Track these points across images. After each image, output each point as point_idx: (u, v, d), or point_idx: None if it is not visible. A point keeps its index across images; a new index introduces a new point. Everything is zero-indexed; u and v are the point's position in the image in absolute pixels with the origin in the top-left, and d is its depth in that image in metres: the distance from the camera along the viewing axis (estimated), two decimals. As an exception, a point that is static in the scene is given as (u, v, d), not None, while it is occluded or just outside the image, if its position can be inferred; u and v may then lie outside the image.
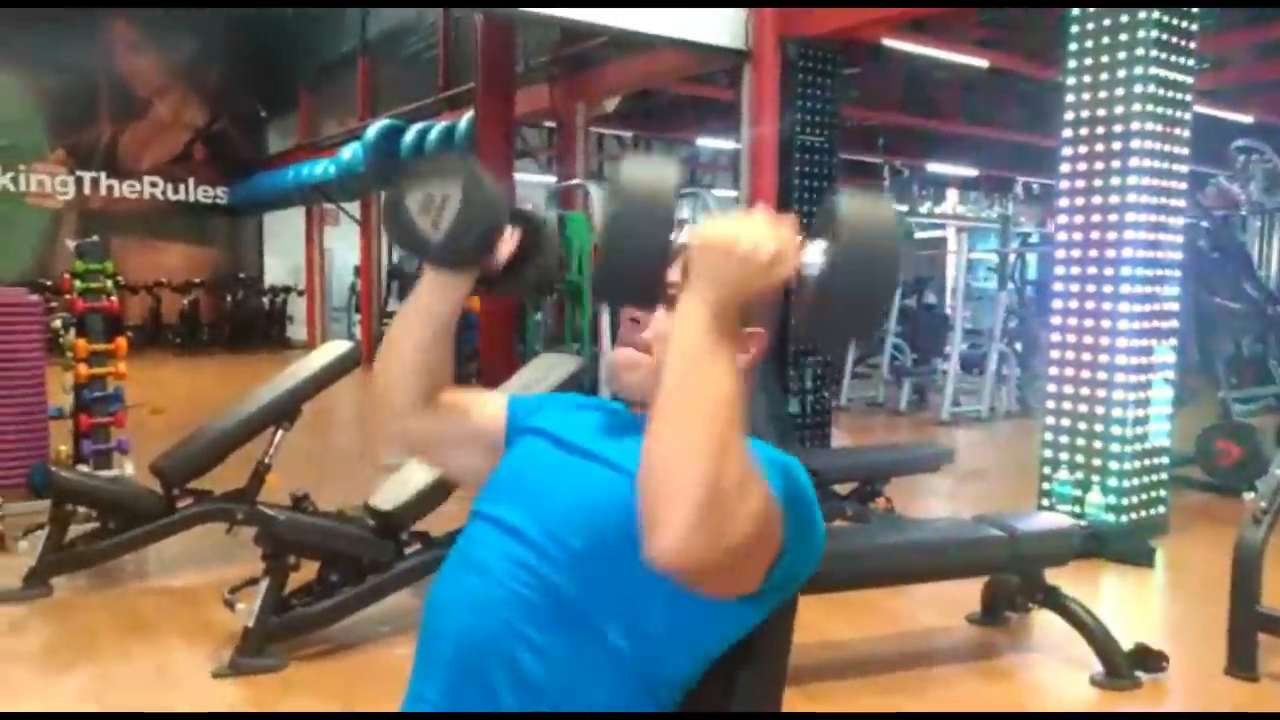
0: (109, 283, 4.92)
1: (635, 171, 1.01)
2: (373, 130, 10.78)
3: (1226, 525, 4.91)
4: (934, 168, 15.37)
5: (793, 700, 2.68)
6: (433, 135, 9.87)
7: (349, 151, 11.55)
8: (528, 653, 1.04)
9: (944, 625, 3.49)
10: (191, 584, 3.78)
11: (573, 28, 6.85)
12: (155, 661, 3.07)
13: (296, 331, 15.49)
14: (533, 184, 12.32)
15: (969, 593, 3.46)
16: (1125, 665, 2.93)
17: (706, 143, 14.44)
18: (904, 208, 15.90)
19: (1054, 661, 3.16)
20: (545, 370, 3.79)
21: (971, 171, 15.51)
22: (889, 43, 7.42)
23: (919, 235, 16.73)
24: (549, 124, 11.79)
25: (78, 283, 4.80)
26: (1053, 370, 4.74)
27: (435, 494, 3.28)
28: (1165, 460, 4.63)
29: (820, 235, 1.01)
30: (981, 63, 8.27)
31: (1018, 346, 9.01)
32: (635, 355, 1.18)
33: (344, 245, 15.80)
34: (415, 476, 3.34)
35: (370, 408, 1.35)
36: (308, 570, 3.19)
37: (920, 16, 6.99)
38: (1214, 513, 5.15)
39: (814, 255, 0.99)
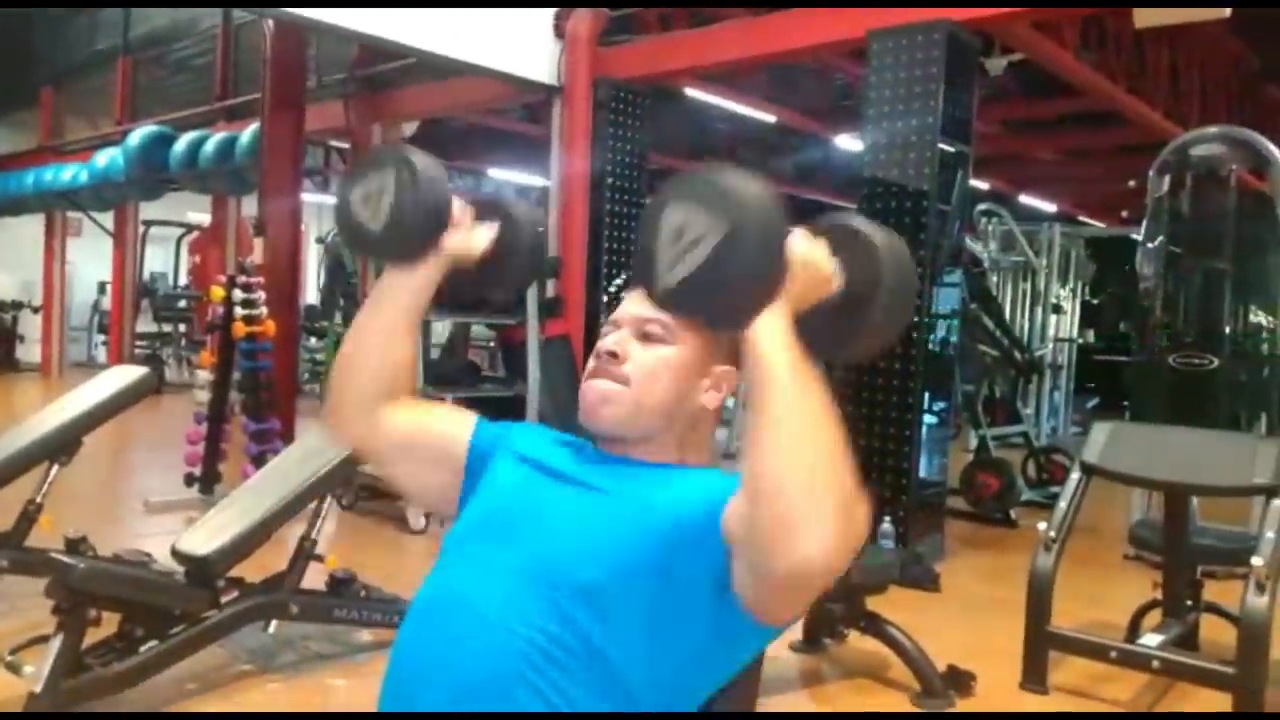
0: None
1: (748, 187, 0.97)
2: (137, 136, 9.90)
3: (992, 551, 5.48)
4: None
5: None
6: (209, 146, 9.20)
7: (105, 157, 10.54)
8: (538, 699, 0.98)
9: (770, 654, 3.61)
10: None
11: (378, 45, 6.62)
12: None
13: (28, 352, 13.81)
14: (309, 205, 11.75)
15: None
16: (940, 686, 3.17)
17: (498, 174, 14.38)
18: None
19: (876, 685, 3.36)
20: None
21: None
22: (692, 92, 7.75)
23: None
24: (335, 143, 11.33)
25: None
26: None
27: (254, 536, 3.02)
28: (942, 491, 5.08)
29: (840, 252, 1.04)
30: (770, 117, 8.81)
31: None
32: (612, 389, 1.16)
33: (88, 258, 14.30)
34: (231, 516, 3.07)
35: (330, 397, 1.26)
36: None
37: (722, 71, 7.35)
38: (979, 540, 5.68)
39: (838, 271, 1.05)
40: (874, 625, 3.31)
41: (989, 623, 4.08)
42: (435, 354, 7.05)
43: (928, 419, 4.98)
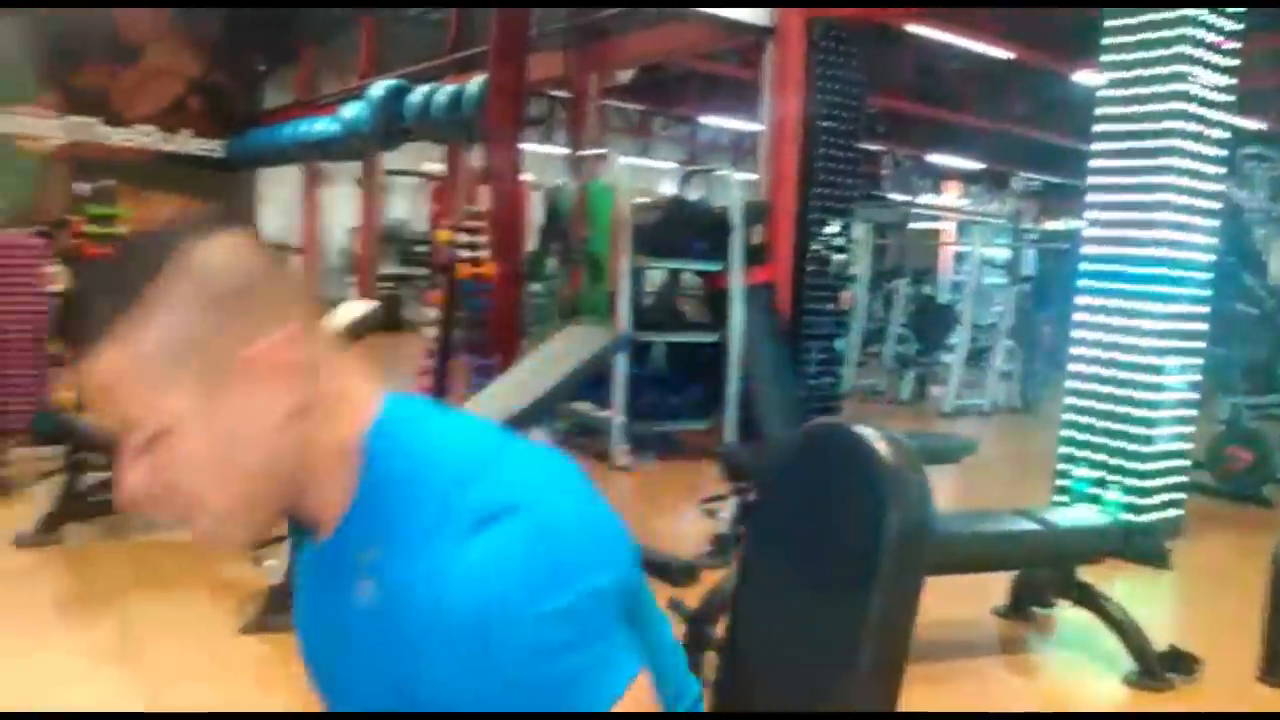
0: (120, 228, 4.81)
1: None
2: (378, 89, 10.59)
3: (1238, 531, 4.97)
4: (935, 158, 15.35)
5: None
6: (440, 97, 9.70)
7: (351, 110, 11.36)
8: None
9: (969, 618, 3.48)
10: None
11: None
12: (179, 616, 3.00)
13: (288, 290, 15.30)
14: (534, 155, 12.21)
15: (993, 586, 3.45)
16: (1159, 666, 2.93)
17: (711, 121, 14.33)
18: (903, 197, 15.89)
19: (1084, 659, 3.15)
20: (578, 341, 3.71)
21: (976, 164, 15.51)
22: (911, 28, 7.36)
23: (917, 226, 16.74)
24: (554, 93, 11.66)
25: (89, 226, 4.68)
26: (1074, 368, 4.72)
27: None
28: (1185, 463, 4.63)
29: None
30: (1004, 54, 8.21)
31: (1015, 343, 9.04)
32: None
33: (340, 205, 15.60)
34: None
35: None
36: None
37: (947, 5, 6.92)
38: (1225, 519, 5.17)
39: None
40: (1086, 596, 3.09)
41: (1225, 607, 3.72)
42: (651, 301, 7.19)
43: (1170, 383, 4.54)
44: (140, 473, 0.75)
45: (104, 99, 14.89)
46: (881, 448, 1.22)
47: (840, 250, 6.49)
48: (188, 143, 15.45)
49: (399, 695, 0.74)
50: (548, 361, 3.51)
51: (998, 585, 3.44)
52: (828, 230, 6.37)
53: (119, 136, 14.99)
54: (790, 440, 1.43)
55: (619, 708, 0.72)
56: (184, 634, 2.89)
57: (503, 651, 0.69)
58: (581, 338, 3.72)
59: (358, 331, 4.06)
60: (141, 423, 0.74)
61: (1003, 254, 9.43)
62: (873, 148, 14.55)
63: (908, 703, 2.83)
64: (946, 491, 5.40)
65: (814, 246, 6.29)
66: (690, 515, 4.38)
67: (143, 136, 15.16)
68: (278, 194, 15.95)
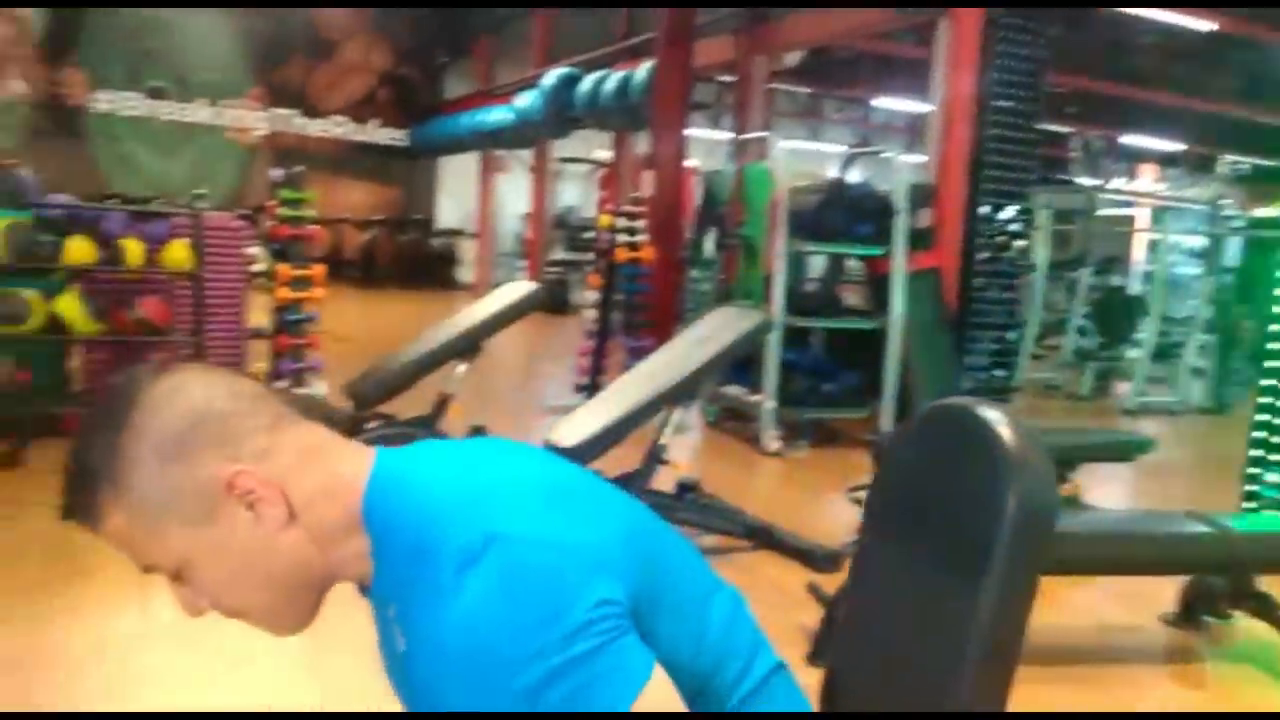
0: (310, 211, 5.18)
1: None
2: (550, 78, 10.91)
3: None
4: (1129, 140, 14.35)
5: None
6: (608, 84, 9.91)
7: (525, 99, 11.74)
8: None
9: (1133, 623, 3.28)
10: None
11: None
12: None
13: (464, 273, 16.02)
14: (699, 140, 12.24)
15: (1162, 591, 3.24)
16: (1348, 688, 2.68)
17: (884, 103, 13.95)
18: (1091, 181, 14.94)
19: (1256, 673, 2.92)
20: (722, 324, 3.73)
21: (1173, 146, 14.40)
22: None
23: (1107, 212, 15.72)
24: (722, 78, 11.64)
25: (282, 210, 5.06)
26: (1271, 364, 4.34)
27: (613, 433, 3.30)
28: (1396, 471, 4.18)
29: None
30: (1206, 25, 7.59)
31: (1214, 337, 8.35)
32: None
33: (513, 192, 16.17)
34: (594, 416, 3.38)
35: None
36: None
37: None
38: None
39: None
40: (1265, 607, 2.85)
41: None
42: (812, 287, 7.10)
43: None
44: (185, 598, 0.86)
45: (302, 92, 16.02)
46: (1003, 429, 1.19)
47: (1015, 236, 6.20)
48: (375, 132, 16.43)
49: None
50: (695, 343, 3.55)
51: (1168, 591, 3.23)
52: (1003, 215, 6.09)
53: (314, 127, 16.11)
54: (912, 419, 1.41)
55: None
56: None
57: (504, 692, 0.75)
58: (730, 320, 3.73)
59: (516, 312, 4.23)
60: (160, 565, 0.84)
61: (1200, 242, 8.73)
62: (1058, 129, 13.77)
63: (1054, 701, 2.73)
64: (1120, 491, 5.09)
65: (985, 231, 6.04)
66: (838, 503, 4.32)
67: (335, 127, 16.23)
68: (456, 182, 16.71)
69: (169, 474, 0.81)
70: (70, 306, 4.44)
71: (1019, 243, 6.23)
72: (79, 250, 4.45)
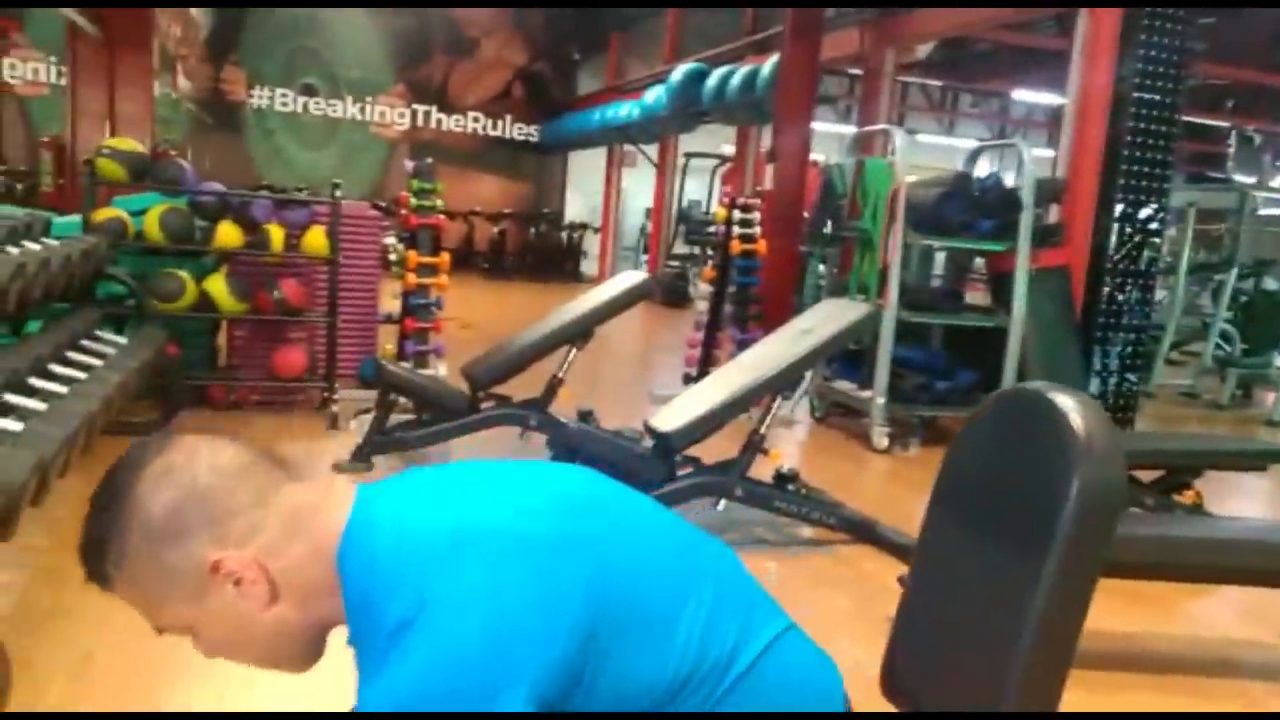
0: (439, 202, 5.42)
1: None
2: (678, 73, 10.99)
3: None
4: (1297, 135, 13.39)
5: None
6: (735, 79, 9.91)
7: (652, 94, 11.87)
8: None
9: (1254, 639, 3.13)
10: (486, 479, 4.15)
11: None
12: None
13: (589, 266, 16.31)
14: (827, 134, 12.11)
15: (1287, 608, 3.08)
16: None
17: (1022, 95, 13.45)
18: (1250, 179, 14.01)
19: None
20: (828, 316, 3.73)
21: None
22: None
23: (1266, 212, 14.71)
24: (852, 71, 11.47)
25: (413, 200, 5.31)
26: None
27: (712, 420, 3.35)
28: None
29: None
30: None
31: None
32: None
33: (638, 187, 16.36)
34: (693, 403, 3.44)
35: None
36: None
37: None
38: None
39: None
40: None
41: None
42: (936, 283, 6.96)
43: None
44: (199, 647, 0.98)
45: (442, 89, 16.63)
46: (1074, 413, 1.20)
47: (1152, 235, 5.92)
48: (509, 128, 16.89)
49: None
50: (799, 333, 3.57)
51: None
52: (1143, 213, 5.82)
53: (451, 122, 16.69)
54: (986, 405, 1.42)
55: None
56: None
57: None
58: (836, 312, 3.73)
59: (626, 300, 4.33)
60: (167, 628, 0.97)
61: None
62: (1214, 123, 12.99)
63: (1157, 709, 2.62)
64: (1254, 505, 4.81)
65: (1120, 229, 5.79)
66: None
67: (471, 122, 16.77)
68: (584, 176, 17.02)
69: (161, 556, 0.91)
70: (218, 286, 4.80)
71: (1155, 241, 5.94)
72: (228, 234, 4.79)
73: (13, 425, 2.41)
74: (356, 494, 0.96)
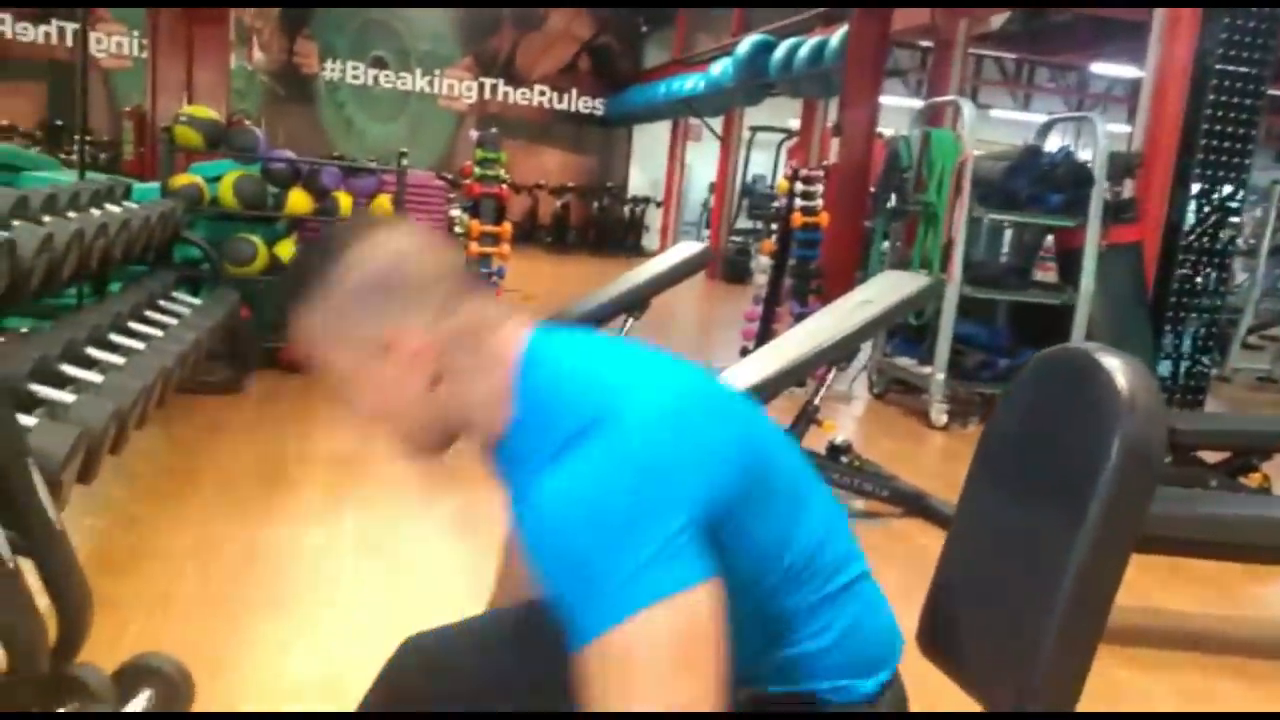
0: (502, 171, 5.49)
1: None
2: (744, 45, 10.89)
3: None
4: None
5: (1110, 662, 2.51)
6: (802, 52, 9.79)
7: (718, 67, 11.77)
8: None
9: None
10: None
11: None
12: (509, 501, 3.50)
13: (651, 240, 16.31)
14: (897, 108, 11.89)
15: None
16: None
17: (1102, 69, 13.03)
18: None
19: None
20: (887, 288, 3.71)
21: None
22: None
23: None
24: (924, 43, 11.24)
25: (477, 169, 5.40)
26: None
27: (767, 388, 3.34)
28: None
29: None
30: None
31: None
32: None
33: (702, 161, 16.28)
34: (746, 373, 3.46)
35: None
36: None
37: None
38: None
39: None
40: None
41: None
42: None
43: None
44: (350, 409, 1.03)
45: (510, 62, 16.72)
46: (1118, 372, 1.21)
47: (1231, 213, 5.73)
48: (575, 101, 16.92)
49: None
50: (857, 305, 3.55)
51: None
52: (1222, 191, 5.63)
53: (517, 95, 16.78)
54: (1029, 367, 1.43)
55: (654, 624, 0.83)
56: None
57: (566, 568, 0.86)
58: (895, 284, 3.71)
59: (682, 271, 4.35)
60: (325, 373, 1.02)
61: None
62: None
63: (1212, 692, 2.64)
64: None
65: (1197, 207, 5.61)
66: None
67: (538, 95, 16.84)
68: (648, 150, 16.98)
69: (353, 313, 0.97)
70: (289, 251, 4.94)
71: (1234, 221, 5.75)
72: (298, 201, 4.93)
73: (94, 377, 2.54)
74: (534, 329, 1.04)
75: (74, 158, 11.05)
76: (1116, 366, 1.22)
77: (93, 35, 13.86)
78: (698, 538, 0.87)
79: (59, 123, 12.42)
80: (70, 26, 14.09)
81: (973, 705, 1.24)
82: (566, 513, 0.86)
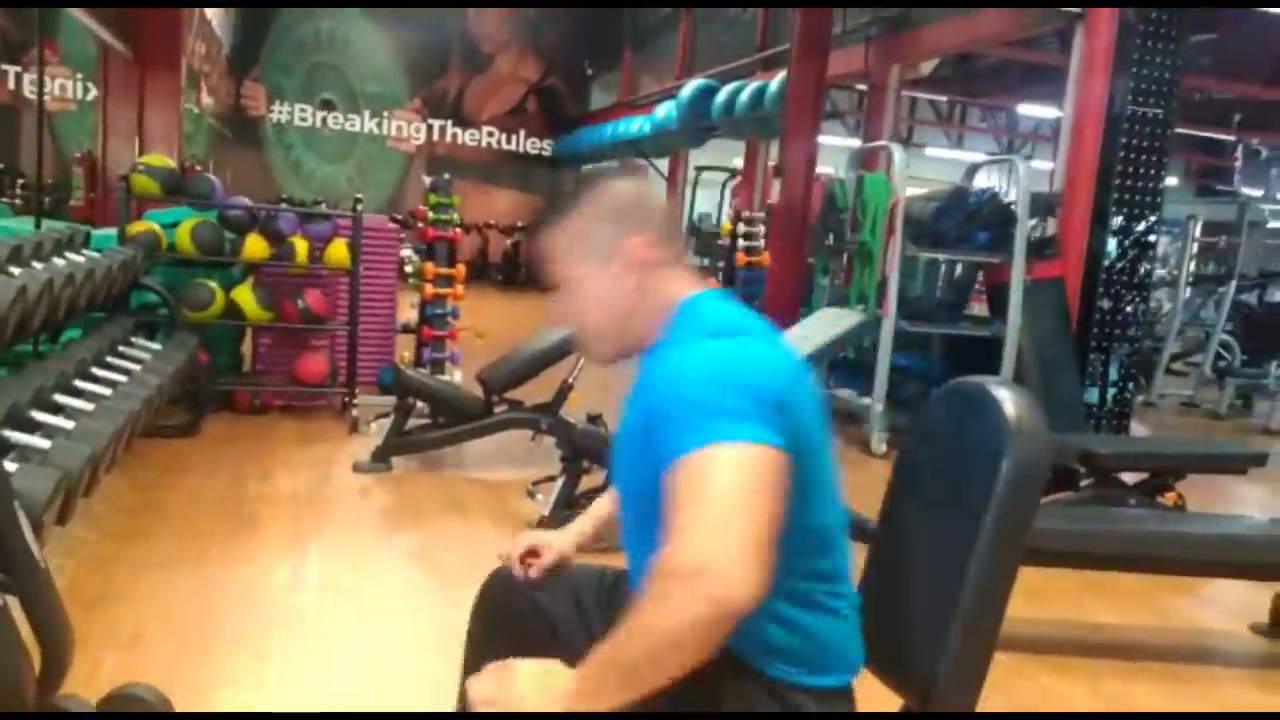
0: (455, 215, 5.64)
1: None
2: (688, 89, 11.21)
3: None
4: (1302, 149, 13.51)
5: (1036, 669, 2.71)
6: (743, 96, 10.12)
7: (663, 110, 12.09)
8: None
9: (1223, 629, 3.30)
10: (500, 477, 4.38)
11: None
12: (467, 534, 3.62)
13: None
14: (837, 147, 12.29)
15: (1257, 600, 3.24)
16: None
17: (1028, 110, 13.61)
18: (1257, 192, 14.17)
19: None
20: (827, 323, 3.92)
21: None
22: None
23: (1277, 224, 14.85)
24: (860, 86, 11.66)
25: (430, 214, 5.54)
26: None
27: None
28: None
29: None
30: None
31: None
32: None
33: (650, 199, 16.54)
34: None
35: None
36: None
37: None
38: None
39: None
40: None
41: None
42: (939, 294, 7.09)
43: None
44: (556, 304, 1.35)
45: (458, 103, 16.92)
46: (1006, 400, 1.42)
47: (1147, 247, 6.08)
48: (523, 142, 17.17)
49: (636, 431, 1.22)
50: (794, 340, 3.75)
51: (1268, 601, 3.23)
52: (1139, 227, 5.98)
53: (466, 137, 16.98)
54: (935, 397, 1.64)
55: (731, 453, 1.05)
56: (470, 548, 3.47)
57: (674, 400, 1.12)
58: (830, 320, 3.92)
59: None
60: (557, 277, 1.33)
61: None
62: (1222, 137, 13.11)
63: (1127, 694, 2.84)
64: (1241, 507, 4.95)
65: (1115, 242, 5.95)
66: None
67: (487, 136, 17.06)
68: (597, 189, 17.19)
69: (598, 229, 1.29)
70: (245, 296, 5.03)
71: (1151, 254, 6.10)
72: (255, 247, 5.03)
73: (65, 423, 2.63)
74: (704, 288, 1.34)
75: (18, 202, 10.91)
76: (1006, 397, 1.43)
77: (35, 77, 13.78)
78: (777, 422, 1.10)
79: (0, 166, 12.32)
80: (12, 70, 14.01)
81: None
82: (686, 365, 1.15)
